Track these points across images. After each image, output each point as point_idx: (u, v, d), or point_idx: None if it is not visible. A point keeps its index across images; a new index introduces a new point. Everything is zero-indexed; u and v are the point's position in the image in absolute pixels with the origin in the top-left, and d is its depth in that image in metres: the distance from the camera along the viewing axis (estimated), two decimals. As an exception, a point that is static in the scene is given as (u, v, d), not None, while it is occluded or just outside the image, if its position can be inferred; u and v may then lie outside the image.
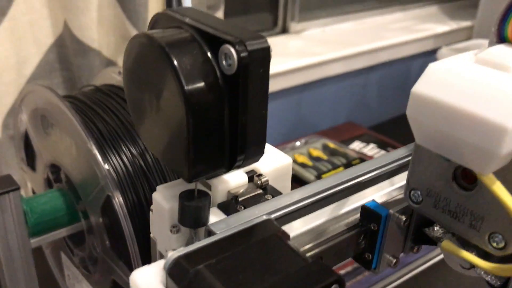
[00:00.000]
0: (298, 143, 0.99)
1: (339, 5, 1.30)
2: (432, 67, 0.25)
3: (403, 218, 0.31)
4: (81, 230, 0.53)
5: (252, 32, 0.26)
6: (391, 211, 0.30)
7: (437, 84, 0.24)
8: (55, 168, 0.54)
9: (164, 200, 0.31)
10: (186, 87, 0.25)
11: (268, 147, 0.36)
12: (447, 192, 0.28)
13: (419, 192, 0.29)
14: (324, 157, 0.94)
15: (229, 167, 0.28)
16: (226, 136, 0.27)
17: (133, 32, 0.75)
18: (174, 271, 0.24)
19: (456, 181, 0.27)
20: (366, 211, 0.31)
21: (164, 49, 0.25)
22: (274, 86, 1.09)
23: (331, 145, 0.98)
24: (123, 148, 0.48)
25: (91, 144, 0.45)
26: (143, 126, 0.30)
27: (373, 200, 0.31)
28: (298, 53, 1.14)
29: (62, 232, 0.53)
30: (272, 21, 1.21)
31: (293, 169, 0.89)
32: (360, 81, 1.25)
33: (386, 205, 0.31)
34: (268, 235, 0.26)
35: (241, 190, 0.32)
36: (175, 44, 0.26)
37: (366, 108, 1.28)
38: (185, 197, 0.28)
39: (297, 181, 0.87)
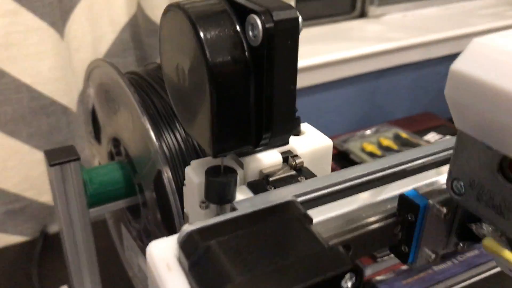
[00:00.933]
0: (368, 132, 0.95)
1: (423, -11, 1.23)
2: (475, 42, 0.22)
3: (444, 210, 0.28)
4: (137, 203, 0.54)
5: (281, 2, 0.25)
6: (430, 201, 0.28)
7: (480, 61, 0.22)
8: (116, 142, 0.56)
9: (195, 175, 0.30)
10: (210, 60, 0.24)
11: (308, 128, 0.35)
12: (492, 184, 0.25)
13: (461, 183, 0.27)
14: (395, 147, 0.90)
15: (256, 144, 0.27)
16: (252, 111, 0.26)
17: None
18: (185, 245, 0.24)
19: (502, 173, 0.25)
20: (404, 200, 0.29)
21: (192, 21, 0.25)
22: (348, 71, 1.06)
23: (403, 135, 0.94)
24: (177, 125, 0.48)
25: (144, 119, 0.46)
26: (175, 98, 0.30)
27: (413, 189, 0.29)
28: (375, 38, 1.10)
29: (119, 204, 0.55)
30: (350, 5, 1.17)
31: (360, 158, 0.87)
32: (442, 70, 1.19)
33: (426, 195, 0.29)
34: (288, 217, 0.25)
35: (274, 170, 0.31)
36: (203, 16, 0.25)
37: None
38: (211, 173, 0.28)
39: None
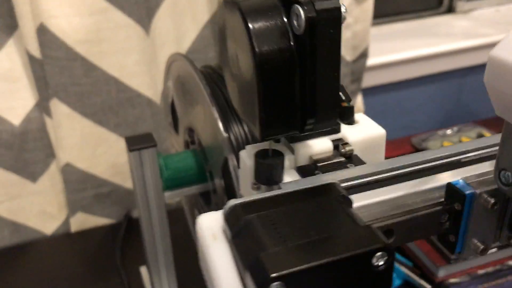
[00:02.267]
0: (449, 131, 0.92)
1: (519, -18, 1.16)
2: (515, 30, 0.22)
3: (491, 200, 0.28)
4: (208, 190, 0.58)
5: (324, -8, 0.26)
6: (477, 191, 0.28)
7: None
8: (191, 132, 0.60)
9: (248, 158, 0.32)
10: (257, 50, 0.26)
11: (362, 117, 0.35)
12: (538, 174, 0.25)
13: (509, 173, 0.26)
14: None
15: (301, 130, 0.29)
16: (297, 98, 0.27)
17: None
18: (229, 217, 0.26)
19: (549, 162, 0.24)
20: (451, 189, 0.29)
21: (242, 13, 0.27)
22: (433, 68, 1.03)
23: (487, 135, 0.90)
24: (246, 115, 0.51)
25: (214, 110, 0.49)
26: (230, 85, 0.32)
27: (462, 179, 0.29)
28: (463, 34, 1.06)
29: (192, 190, 0.58)
30: (438, 0, 1.13)
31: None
32: (536, 67, 1.11)
33: (474, 184, 0.29)
34: (327, 197, 0.26)
35: (324, 157, 0.32)
36: (253, 8, 0.27)
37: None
38: (260, 155, 0.30)
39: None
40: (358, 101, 0.94)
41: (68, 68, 0.69)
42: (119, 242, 0.78)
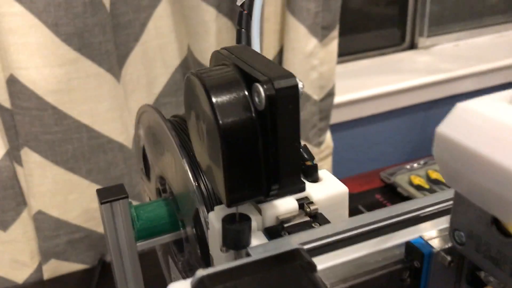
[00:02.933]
0: (416, 164, 0.95)
1: (476, 18, 1.22)
2: (458, 107, 0.24)
3: (448, 258, 0.29)
4: (180, 238, 0.58)
5: (284, 71, 0.27)
6: (434, 249, 0.30)
7: (461, 125, 0.23)
8: (162, 180, 0.61)
9: (216, 221, 0.33)
10: (221, 122, 0.27)
11: (325, 174, 0.37)
12: (488, 237, 0.26)
13: (462, 233, 0.28)
14: (443, 180, 0.89)
15: (266, 195, 0.30)
16: (261, 166, 0.29)
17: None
18: (197, 289, 0.26)
19: (497, 226, 0.26)
20: (410, 247, 0.30)
21: (206, 88, 0.28)
22: (398, 102, 1.07)
23: (453, 167, 0.92)
24: (216, 165, 0.52)
25: (184, 161, 0.50)
26: (198, 153, 0.33)
27: (420, 237, 0.31)
28: (426, 69, 1.10)
29: (165, 238, 0.59)
30: (400, 37, 1.18)
31: (407, 191, 0.87)
32: (496, 99, 1.16)
33: (432, 242, 0.30)
34: (293, 264, 0.27)
35: (290, 217, 0.33)
36: (216, 83, 0.29)
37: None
38: (227, 221, 0.31)
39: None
40: (327, 138, 0.97)
41: (38, 117, 0.70)
42: (93, 287, 0.77)
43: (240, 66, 0.29)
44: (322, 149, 0.96)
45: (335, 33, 0.85)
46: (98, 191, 0.54)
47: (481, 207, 0.24)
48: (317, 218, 0.34)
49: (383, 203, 0.88)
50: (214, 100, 0.28)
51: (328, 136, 0.97)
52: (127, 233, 0.56)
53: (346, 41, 1.06)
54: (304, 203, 0.34)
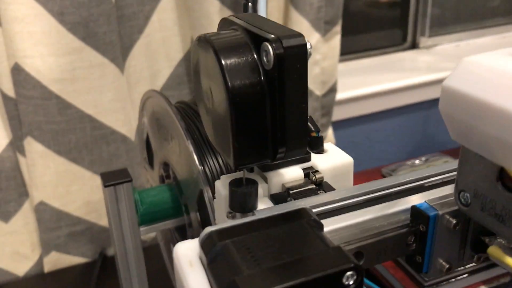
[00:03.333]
0: (417, 161, 0.95)
1: (477, 19, 1.23)
2: (465, 61, 0.24)
3: (454, 221, 0.30)
4: (183, 224, 0.58)
5: (292, 31, 0.28)
6: (440, 212, 0.30)
7: (468, 77, 0.24)
8: (166, 166, 0.61)
9: (222, 188, 0.34)
10: (230, 84, 0.28)
11: (330, 147, 0.37)
12: (493, 194, 0.27)
13: (467, 194, 0.28)
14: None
15: (273, 158, 0.30)
16: (268, 129, 0.29)
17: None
18: (205, 244, 0.27)
19: (502, 182, 0.26)
20: (415, 211, 0.31)
21: (215, 50, 0.29)
22: (400, 101, 1.07)
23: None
24: (220, 149, 0.52)
25: (189, 143, 0.50)
26: (205, 119, 0.33)
27: (426, 201, 0.31)
28: (426, 68, 1.10)
29: (168, 224, 0.59)
30: (402, 36, 1.19)
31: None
32: (497, 99, 1.17)
33: (437, 206, 0.30)
34: (299, 221, 0.28)
35: (295, 185, 0.34)
36: (225, 46, 0.29)
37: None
38: (234, 184, 0.31)
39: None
40: (329, 134, 0.97)
41: (42, 106, 0.70)
42: (94, 282, 0.77)
43: (249, 29, 0.29)
44: (324, 145, 0.96)
45: (338, 28, 0.86)
46: (102, 174, 0.54)
47: (489, 159, 0.24)
48: (323, 186, 0.34)
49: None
50: (223, 62, 0.28)
51: (330, 132, 0.97)
52: (131, 218, 0.56)
53: (348, 41, 1.07)
54: (309, 171, 0.35)
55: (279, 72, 0.27)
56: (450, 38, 1.20)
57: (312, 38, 0.84)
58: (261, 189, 0.33)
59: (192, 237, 0.56)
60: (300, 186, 0.34)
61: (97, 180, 0.77)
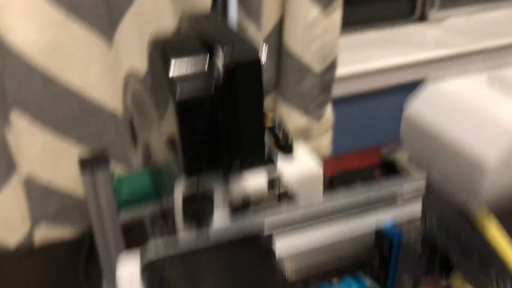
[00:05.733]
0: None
1: (491, -8, 1.17)
2: (427, 87, 0.22)
3: (419, 239, 0.28)
4: (163, 210, 0.57)
5: (246, 40, 0.25)
6: (404, 231, 0.28)
7: (426, 106, 0.21)
8: (148, 149, 0.59)
9: (179, 197, 0.32)
10: (177, 98, 0.26)
11: (302, 155, 0.35)
12: (457, 223, 0.24)
13: (433, 218, 0.26)
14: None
15: (227, 169, 0.28)
16: (221, 139, 0.27)
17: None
18: (145, 272, 0.25)
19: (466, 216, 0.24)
20: (380, 230, 0.29)
21: (167, 55, 0.26)
22: (405, 77, 1.03)
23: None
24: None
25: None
26: (158, 112, 0.31)
27: (391, 219, 0.29)
28: (435, 43, 1.06)
29: (148, 209, 0.57)
30: (410, 8, 1.13)
31: (406, 169, 0.84)
32: (507, 77, 1.12)
33: (402, 225, 0.28)
34: (252, 251, 0.26)
35: (257, 195, 0.32)
36: (177, 51, 0.26)
37: None
38: (188, 200, 0.29)
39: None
40: (328, 111, 0.94)
41: (26, 80, 0.68)
42: (83, 257, 0.77)
43: (204, 35, 0.27)
44: (322, 122, 0.93)
45: (339, 1, 0.82)
46: (80, 159, 0.53)
47: (448, 193, 0.22)
48: (286, 199, 0.32)
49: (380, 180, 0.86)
50: (171, 73, 0.26)
51: (329, 109, 0.94)
52: (109, 203, 0.55)
53: (351, 12, 1.02)
54: (274, 182, 0.32)
55: (229, 84, 0.25)
56: (462, 11, 1.14)
57: (311, 12, 0.80)
58: (221, 198, 0.31)
59: (169, 224, 0.55)
60: (262, 198, 0.32)
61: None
